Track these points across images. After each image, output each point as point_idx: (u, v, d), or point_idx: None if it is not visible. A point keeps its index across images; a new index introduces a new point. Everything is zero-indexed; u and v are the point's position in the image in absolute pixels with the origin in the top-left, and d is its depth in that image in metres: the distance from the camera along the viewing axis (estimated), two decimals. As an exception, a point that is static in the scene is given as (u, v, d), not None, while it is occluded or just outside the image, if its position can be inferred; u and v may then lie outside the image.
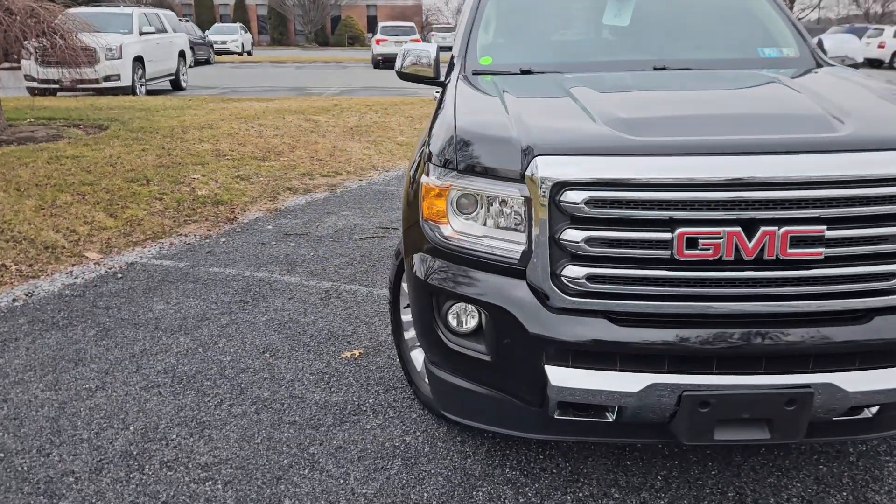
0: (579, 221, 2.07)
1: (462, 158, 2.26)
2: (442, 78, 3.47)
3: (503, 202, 2.21)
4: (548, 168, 2.08)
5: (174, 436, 2.96)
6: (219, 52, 35.15)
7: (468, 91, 2.88)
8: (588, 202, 2.04)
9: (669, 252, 2.02)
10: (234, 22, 47.10)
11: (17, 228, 5.58)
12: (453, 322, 2.38)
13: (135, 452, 2.84)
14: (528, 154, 2.14)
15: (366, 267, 5.01)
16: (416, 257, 2.47)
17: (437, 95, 3.44)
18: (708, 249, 1.99)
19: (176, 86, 18.36)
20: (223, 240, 5.70)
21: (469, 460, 2.75)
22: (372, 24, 65.49)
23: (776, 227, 1.97)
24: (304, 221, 6.23)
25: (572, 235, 2.07)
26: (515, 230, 2.19)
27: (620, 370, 2.11)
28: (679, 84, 2.92)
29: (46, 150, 8.33)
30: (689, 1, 3.69)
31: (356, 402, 3.19)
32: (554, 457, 2.76)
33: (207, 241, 5.67)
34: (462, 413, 2.54)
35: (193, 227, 6.00)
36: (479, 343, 2.33)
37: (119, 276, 4.88)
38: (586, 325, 2.10)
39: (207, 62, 30.19)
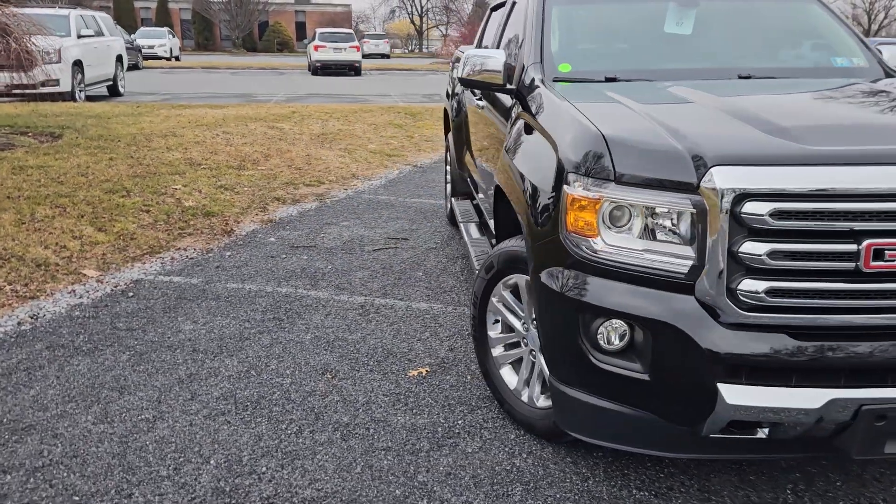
0: (760, 234, 2.01)
1: (619, 168, 2.17)
2: (511, 85, 3.36)
3: (667, 214, 2.12)
4: (728, 179, 2.01)
5: (264, 468, 2.74)
6: (146, 57, 33.86)
7: (579, 97, 2.78)
8: (773, 214, 1.98)
9: (854, 264, 1.98)
10: (157, 26, 45.46)
11: (1, 245, 5.14)
12: (602, 340, 2.28)
13: (227, 489, 2.62)
14: (702, 164, 2.06)
15: (392, 280, 4.84)
16: (554, 272, 2.36)
17: (513, 104, 3.34)
18: (894, 261, 1.96)
19: (113, 91, 17.53)
20: (228, 254, 5.41)
21: (590, 482, 2.65)
22: (301, 30, 64.61)
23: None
24: (306, 233, 5.99)
25: (753, 248, 2.01)
26: (681, 243, 2.11)
27: (797, 386, 2.05)
28: (789, 93, 2.91)
29: (5, 159, 7.75)
30: (748, 10, 3.70)
31: (445, 425, 3.04)
32: (675, 474, 2.68)
33: (211, 255, 5.36)
34: (595, 433, 2.44)
35: (191, 241, 5.67)
36: (633, 361, 2.24)
37: (130, 294, 4.55)
38: (764, 340, 2.04)
39: (136, 67, 29.01)
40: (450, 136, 6.08)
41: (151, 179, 7.33)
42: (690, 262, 2.09)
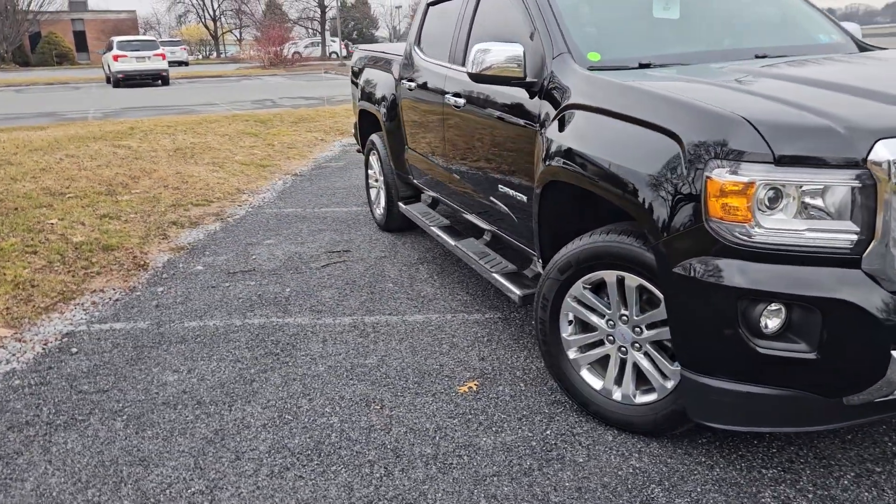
0: (923, 200, 2.07)
1: (777, 150, 2.13)
2: (532, 78, 3.24)
3: (828, 191, 2.13)
4: (895, 150, 2.05)
5: (382, 522, 2.42)
6: None
7: (660, 82, 2.72)
8: (939, 180, 2.05)
9: None
10: None
11: None
12: (765, 326, 2.25)
13: (357, 554, 2.27)
14: (864, 138, 2.08)
15: (367, 295, 4.52)
16: (700, 263, 2.28)
17: (534, 97, 3.19)
18: None
19: None
20: (160, 289, 4.77)
21: (717, 470, 2.62)
22: (81, 40, 59.06)
23: None
24: (233, 256, 5.45)
25: (919, 216, 2.07)
26: (843, 219, 2.12)
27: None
28: (826, 66, 3.03)
29: None
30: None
31: (537, 438, 2.87)
32: (787, 447, 2.73)
33: (139, 294, 4.71)
34: (736, 419, 2.41)
35: (103, 281, 4.94)
36: (795, 342, 2.23)
37: (73, 350, 3.86)
38: (936, 303, 2.11)
39: None
40: (376, 139, 5.80)
41: (17, 216, 6.30)
42: (856, 237, 2.11)
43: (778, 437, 2.79)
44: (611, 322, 2.83)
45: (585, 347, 2.97)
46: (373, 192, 6.19)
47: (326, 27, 62.74)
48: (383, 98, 5.44)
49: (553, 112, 3.08)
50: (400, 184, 5.55)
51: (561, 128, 2.98)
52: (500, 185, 3.67)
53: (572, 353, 2.99)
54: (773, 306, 2.23)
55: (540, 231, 3.22)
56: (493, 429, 2.95)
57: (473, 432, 2.93)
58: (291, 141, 11.43)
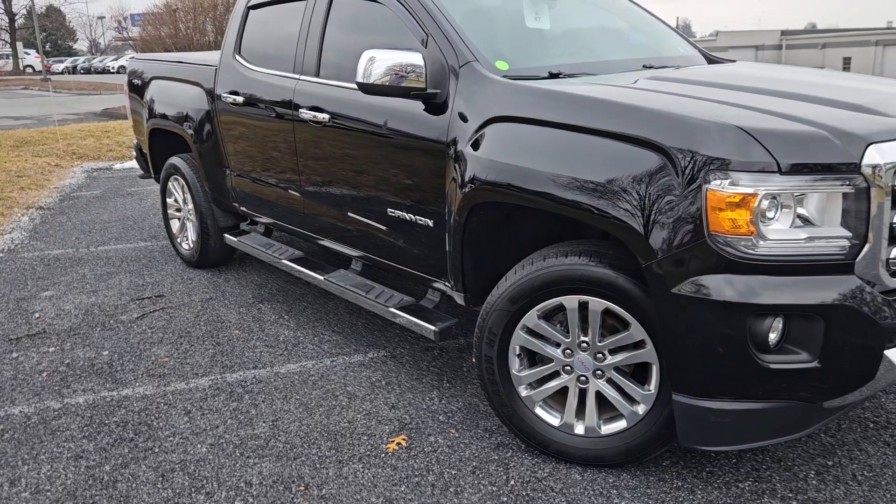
0: (905, 202, 2.15)
1: (781, 159, 2.06)
2: (435, 90, 2.92)
3: (824, 198, 2.11)
4: (885, 155, 2.09)
5: None
6: None
7: (606, 93, 2.54)
8: (917, 182, 2.14)
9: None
10: None
11: None
12: (772, 339, 2.17)
13: None
14: (856, 144, 2.10)
15: (213, 347, 3.81)
16: (705, 281, 2.14)
17: (437, 110, 2.88)
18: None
19: None
20: (-86, 372, 3.58)
21: (707, 490, 2.52)
22: None
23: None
24: (5, 317, 4.31)
25: (903, 216, 2.14)
26: (839, 225, 2.12)
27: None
28: (738, 76, 3.09)
29: None
30: (585, 10, 3.86)
31: (505, 492, 2.55)
32: (756, 454, 2.73)
33: None
34: (735, 439, 2.33)
35: None
36: (797, 353, 2.19)
37: None
38: (909, 300, 2.20)
39: None
40: (179, 162, 4.98)
41: None
42: (850, 242, 2.12)
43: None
44: (568, 351, 2.61)
45: (538, 382, 2.71)
46: (174, 224, 5.32)
47: (17, 38, 55.11)
48: (191, 115, 4.68)
49: (471, 126, 2.78)
50: (219, 212, 4.81)
51: (488, 144, 2.69)
52: (389, 209, 3.27)
53: (524, 391, 2.71)
54: (777, 319, 2.16)
55: (463, 258, 2.89)
56: (452, 490, 2.56)
57: (431, 498, 2.51)
58: (19, 168, 9.64)
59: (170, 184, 5.21)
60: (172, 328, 4.08)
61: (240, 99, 4.17)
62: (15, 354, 3.78)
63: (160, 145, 5.29)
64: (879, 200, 2.09)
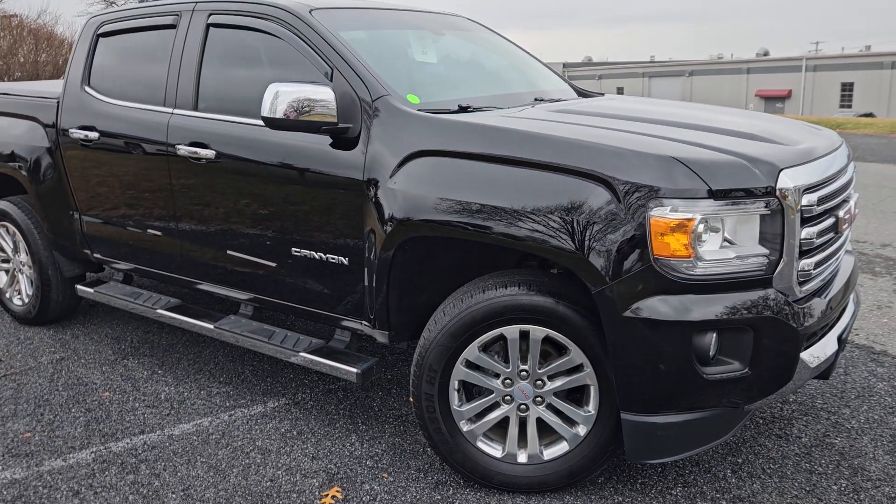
0: (810, 220, 2.42)
1: (713, 185, 2.23)
2: (346, 124, 2.84)
3: (745, 219, 2.32)
4: (795, 178, 2.34)
5: None
6: None
7: (529, 126, 2.60)
8: (818, 201, 2.42)
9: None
10: None
11: None
12: (710, 353, 2.34)
13: None
14: (771, 170, 2.33)
15: (84, 415, 3.38)
16: (651, 303, 2.26)
17: (350, 145, 2.82)
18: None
19: None
20: None
21: (647, 501, 2.65)
22: None
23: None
24: None
25: (808, 233, 2.40)
26: (759, 243, 2.34)
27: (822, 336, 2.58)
28: (629, 109, 3.28)
29: None
30: (462, 46, 3.95)
31: (460, 531, 2.50)
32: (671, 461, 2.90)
33: None
34: (677, 449, 2.47)
35: None
36: (730, 363, 2.37)
37: None
38: (815, 306, 2.47)
39: None
40: (9, 207, 4.39)
41: None
42: (768, 258, 2.34)
43: (654, 456, 2.93)
44: (508, 381, 2.63)
45: (478, 416, 2.69)
46: (2, 278, 4.65)
47: None
48: (26, 153, 4.14)
49: (391, 161, 2.73)
50: (64, 260, 4.29)
51: (414, 179, 2.66)
52: (293, 248, 3.11)
53: (465, 426, 2.68)
54: (712, 333, 2.34)
55: (388, 295, 2.81)
56: (406, 538, 2.46)
57: (389, 551, 2.40)
58: None
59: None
60: (24, 397, 3.55)
61: (93, 135, 3.76)
62: None
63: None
64: (791, 219, 2.34)
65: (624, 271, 2.28)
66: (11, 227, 4.41)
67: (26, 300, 4.48)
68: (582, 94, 4.03)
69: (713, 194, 2.25)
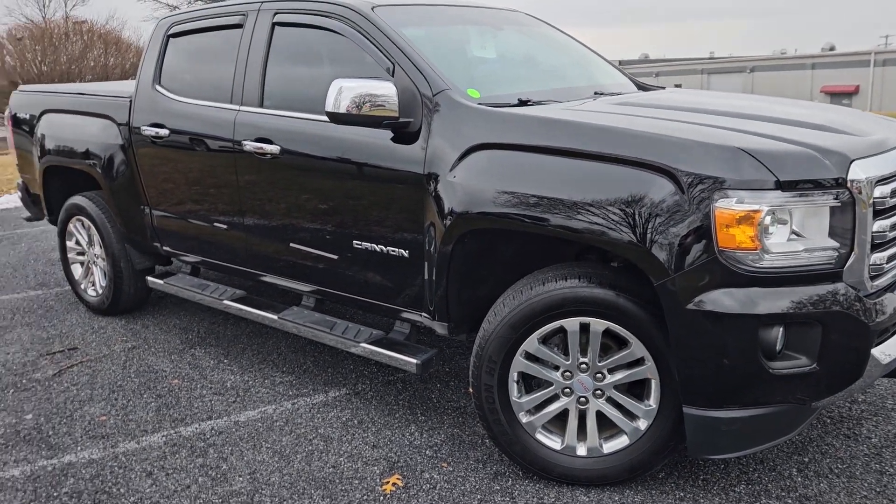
0: (883, 212, 2.35)
1: (780, 176, 2.20)
2: (407, 118, 2.88)
3: (814, 212, 2.27)
4: (867, 169, 2.29)
5: None
6: None
7: (596, 118, 2.60)
8: (891, 193, 2.35)
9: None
10: None
11: None
12: (777, 347, 2.30)
13: None
14: (842, 161, 2.28)
15: (155, 400, 3.51)
16: (717, 295, 2.23)
17: (411, 139, 2.85)
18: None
19: None
20: None
21: (710, 499, 2.61)
22: None
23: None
24: None
25: (881, 226, 2.34)
26: (829, 235, 2.28)
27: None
28: (692, 102, 3.24)
29: None
30: (522, 41, 3.96)
31: (519, 521, 2.52)
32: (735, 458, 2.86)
33: None
34: (740, 446, 2.44)
35: None
36: (797, 358, 2.33)
37: None
38: (888, 302, 2.40)
39: None
40: (84, 202, 4.58)
41: None
42: (838, 252, 2.29)
43: (716, 453, 2.89)
44: (567, 373, 2.63)
45: (537, 407, 2.70)
46: (77, 270, 4.87)
47: None
48: (100, 150, 4.32)
49: (452, 155, 2.76)
50: (135, 253, 4.46)
51: (475, 172, 2.68)
52: (355, 241, 3.17)
53: (525, 417, 2.70)
54: (778, 328, 2.29)
55: (448, 288, 2.85)
56: (466, 527, 2.49)
57: (449, 538, 2.43)
58: None
59: (70, 225, 4.77)
60: (100, 383, 3.71)
61: (164, 132, 3.90)
62: (-84, 427, 3.29)
63: (56, 184, 4.84)
64: (863, 212, 2.28)
65: (687, 263, 2.26)
66: (87, 222, 4.61)
67: (100, 291, 4.68)
68: (642, 87, 3.99)
69: (781, 186, 2.21)
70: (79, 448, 3.06)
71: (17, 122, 5.06)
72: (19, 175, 5.34)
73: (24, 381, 3.77)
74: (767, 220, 2.22)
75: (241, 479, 2.80)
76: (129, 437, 3.15)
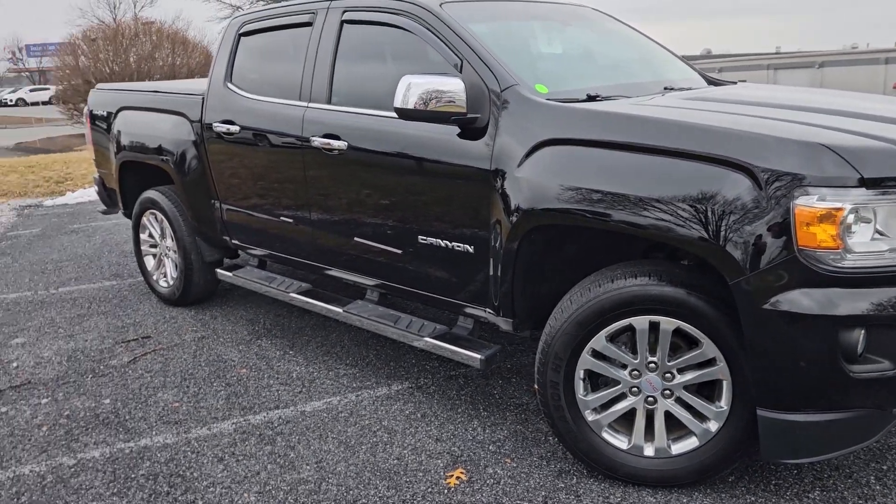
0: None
1: (865, 173, 2.12)
2: (475, 114, 2.89)
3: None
4: (951, 164, 2.19)
5: None
6: None
7: (665, 114, 2.57)
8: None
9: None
10: None
11: None
12: (858, 350, 2.22)
13: None
14: None
15: (224, 389, 3.61)
16: (795, 296, 2.17)
17: (477, 135, 2.85)
18: None
19: None
20: None
21: (774, 505, 2.55)
22: None
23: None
24: (-19, 368, 3.96)
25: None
26: (912, 234, 2.20)
27: None
28: (766, 97, 3.17)
29: None
30: (589, 35, 3.92)
31: (585, 520, 2.50)
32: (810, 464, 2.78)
33: None
34: (816, 450, 2.36)
35: None
36: (880, 362, 2.24)
37: None
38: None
39: None
40: (157, 196, 4.74)
41: None
42: (923, 251, 2.20)
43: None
44: (635, 372, 2.59)
45: (604, 406, 2.68)
46: (149, 261, 5.04)
47: None
48: (174, 146, 4.46)
49: (519, 151, 2.75)
50: (206, 246, 4.59)
51: (544, 168, 2.67)
52: (420, 236, 3.19)
53: (590, 415, 2.68)
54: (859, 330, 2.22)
55: (513, 283, 2.84)
56: (531, 522, 2.49)
57: (514, 533, 2.43)
58: (-61, 207, 9.00)
59: (144, 219, 4.94)
60: (172, 371, 3.84)
61: (235, 128, 4.00)
62: (4, 409, 3.46)
63: (131, 178, 5.02)
64: (946, 210, 2.18)
65: (764, 262, 2.20)
66: (159, 215, 4.77)
67: (171, 282, 4.84)
68: (713, 82, 3.90)
69: (864, 183, 2.14)
70: (154, 432, 3.17)
71: (94, 118, 5.27)
72: (96, 170, 5.55)
73: (101, 367, 3.92)
74: (850, 218, 2.15)
75: (308, 467, 2.86)
76: (200, 423, 3.25)
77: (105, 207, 5.61)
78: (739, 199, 2.23)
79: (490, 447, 2.97)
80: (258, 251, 4.24)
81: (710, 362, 2.48)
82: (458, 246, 3.05)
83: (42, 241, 7.14)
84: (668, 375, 2.56)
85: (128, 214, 5.16)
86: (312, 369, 3.79)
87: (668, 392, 2.58)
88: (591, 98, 2.94)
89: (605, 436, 2.68)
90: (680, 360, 2.53)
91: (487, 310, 3.03)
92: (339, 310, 3.63)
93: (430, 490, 2.68)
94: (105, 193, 5.49)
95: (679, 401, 2.58)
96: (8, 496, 2.73)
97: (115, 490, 2.74)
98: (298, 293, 3.90)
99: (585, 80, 3.31)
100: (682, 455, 2.59)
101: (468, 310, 3.15)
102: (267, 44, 4.06)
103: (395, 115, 3.02)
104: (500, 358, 3.21)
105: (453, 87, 2.85)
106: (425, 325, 3.33)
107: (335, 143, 3.42)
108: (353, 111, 3.40)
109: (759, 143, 2.25)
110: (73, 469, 2.90)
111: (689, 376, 2.53)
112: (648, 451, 2.64)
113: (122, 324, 4.59)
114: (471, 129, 2.92)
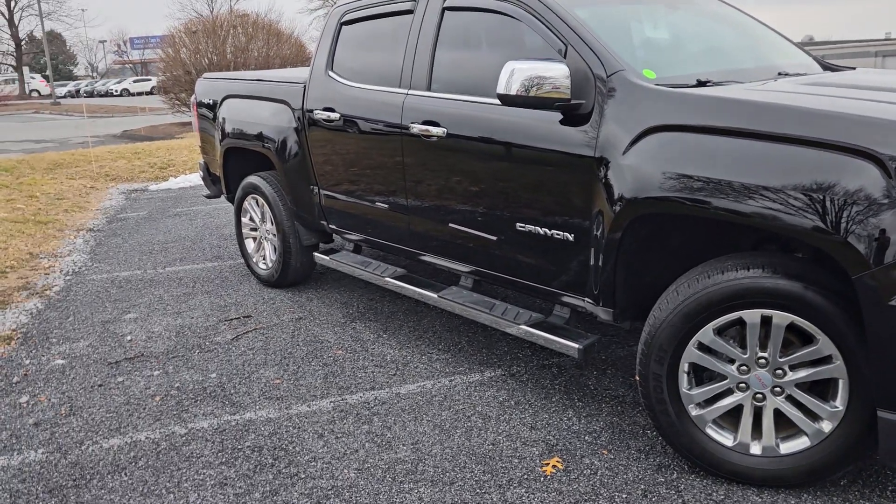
0: None
1: None
2: (579, 100, 2.84)
3: None
4: None
5: None
6: None
7: (790, 100, 2.46)
8: None
9: None
10: None
11: None
12: None
13: None
14: None
15: (322, 368, 3.71)
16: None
17: (582, 121, 2.80)
18: None
19: None
20: (23, 400, 3.48)
21: (892, 513, 2.41)
22: None
23: None
24: (95, 340, 4.21)
25: None
26: None
27: None
28: (888, 81, 3.01)
29: None
30: (696, 19, 3.81)
31: (686, 515, 2.44)
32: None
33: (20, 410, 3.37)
34: (941, 456, 2.22)
35: (-82, 398, 3.48)
36: None
37: None
38: None
39: None
40: (258, 181, 4.89)
41: None
42: None
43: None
44: (744, 367, 2.51)
45: (708, 401, 2.60)
46: (250, 244, 5.23)
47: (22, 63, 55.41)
48: (276, 133, 4.60)
49: (625, 138, 2.69)
50: (304, 231, 4.72)
51: (651, 155, 2.60)
52: (518, 224, 3.18)
53: (694, 410, 2.61)
54: None
55: (615, 273, 2.79)
56: (631, 515, 2.45)
57: (613, 524, 2.40)
58: (57, 191, 9.60)
59: (245, 203, 5.13)
60: (272, 349, 3.97)
61: (335, 115, 4.09)
62: (120, 379, 3.67)
63: (235, 165, 5.21)
64: None
65: (890, 256, 2.08)
66: (260, 200, 4.93)
67: (270, 265, 5.00)
68: (828, 67, 3.71)
69: None
70: (257, 407, 3.30)
71: (201, 107, 5.49)
72: (201, 156, 5.80)
73: (207, 343, 4.10)
74: (983, 213, 2.00)
75: (404, 447, 2.91)
76: (300, 400, 3.35)
77: (209, 193, 5.85)
78: (864, 189, 2.12)
79: (586, 438, 2.94)
80: (354, 236, 4.33)
81: (826, 360, 2.38)
82: (558, 234, 3.02)
83: (149, 224, 7.51)
84: (778, 372, 2.46)
85: (231, 199, 5.37)
86: (406, 353, 3.84)
87: (778, 389, 2.48)
88: (701, 83, 2.85)
89: (709, 431, 2.61)
90: (793, 356, 2.43)
91: (586, 299, 2.99)
92: (434, 295, 3.66)
93: (525, 476, 2.68)
94: (209, 179, 5.72)
95: (790, 399, 2.48)
96: (127, 460, 2.90)
97: (224, 459, 2.87)
98: (393, 278, 3.96)
99: (693, 66, 3.21)
100: (791, 455, 2.50)
101: (565, 298, 3.12)
102: (368, 32, 4.12)
103: (494, 101, 3.01)
104: (597, 348, 3.16)
105: (557, 72, 2.82)
106: (521, 312, 3.32)
107: (434, 130, 3.44)
108: (453, 98, 3.42)
109: (890, 131, 2.12)
110: (184, 437, 3.05)
111: (801, 374, 2.43)
112: (755, 449, 2.55)
113: (224, 303, 4.78)
114: (574, 115, 2.88)
